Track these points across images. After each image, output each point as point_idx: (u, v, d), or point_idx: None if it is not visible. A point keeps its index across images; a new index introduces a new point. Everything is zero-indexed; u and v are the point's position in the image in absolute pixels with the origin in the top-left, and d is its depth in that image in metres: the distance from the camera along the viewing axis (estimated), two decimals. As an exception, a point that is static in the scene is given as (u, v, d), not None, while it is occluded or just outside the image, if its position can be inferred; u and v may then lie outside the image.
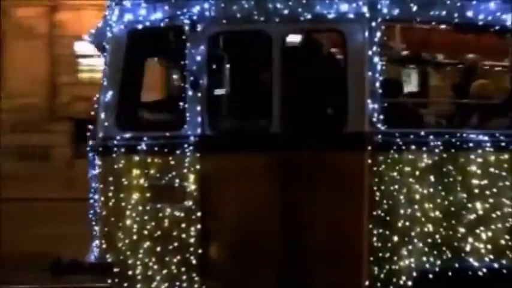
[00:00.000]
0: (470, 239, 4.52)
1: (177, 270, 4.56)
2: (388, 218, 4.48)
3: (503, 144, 4.58)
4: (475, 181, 4.54)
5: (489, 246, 4.53)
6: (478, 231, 4.53)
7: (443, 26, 4.87)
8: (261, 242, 4.58)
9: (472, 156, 4.54)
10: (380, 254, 4.46)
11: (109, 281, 4.64)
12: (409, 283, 4.49)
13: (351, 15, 4.55)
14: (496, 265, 4.54)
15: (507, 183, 4.55)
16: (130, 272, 4.61)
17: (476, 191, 4.53)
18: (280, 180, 4.55)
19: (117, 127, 4.68)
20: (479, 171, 4.54)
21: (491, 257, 4.53)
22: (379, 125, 4.47)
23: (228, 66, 5.11)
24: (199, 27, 4.59)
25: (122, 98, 4.70)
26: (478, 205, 4.54)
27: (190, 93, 4.57)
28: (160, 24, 4.65)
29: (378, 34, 4.54)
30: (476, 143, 4.56)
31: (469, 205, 4.52)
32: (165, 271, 4.57)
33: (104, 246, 4.68)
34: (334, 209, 4.52)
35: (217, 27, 4.64)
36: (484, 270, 4.51)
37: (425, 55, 6.71)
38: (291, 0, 4.56)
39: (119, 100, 4.70)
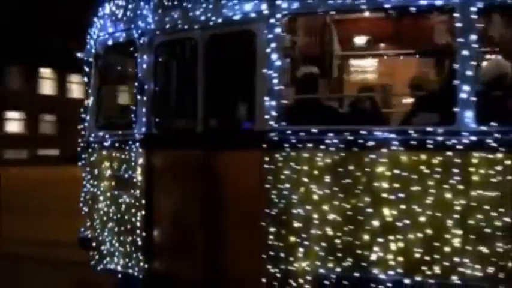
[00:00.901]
0: (375, 248, 4.12)
1: (129, 249, 5.30)
2: (283, 218, 4.40)
3: (415, 142, 4.00)
4: (381, 184, 4.10)
5: (399, 258, 4.06)
6: (385, 239, 4.09)
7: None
8: (189, 231, 4.98)
9: (376, 156, 4.10)
10: (276, 253, 4.42)
11: (90, 253, 5.65)
12: (306, 286, 4.34)
13: (253, 14, 4.53)
14: (406, 280, 4.04)
15: (420, 187, 3.98)
16: (101, 247, 5.54)
17: (383, 195, 4.09)
18: (201, 176, 4.86)
19: (95, 127, 5.63)
20: (387, 173, 4.08)
21: (401, 270, 4.05)
22: (273, 123, 4.39)
23: (170, 72, 5.51)
24: (144, 39, 5.18)
25: (99, 103, 5.61)
26: (386, 211, 4.09)
27: (138, 97, 5.21)
28: (119, 39, 5.38)
29: (277, 30, 4.41)
30: (382, 141, 4.09)
31: (374, 210, 4.11)
32: (121, 249, 5.36)
33: (87, 224, 5.70)
34: (237, 206, 4.64)
35: (158, 38, 5.14)
36: (390, 284, 4.07)
37: (334, 49, 5.76)
38: (205, 7, 4.78)
39: (97, 105, 5.63)
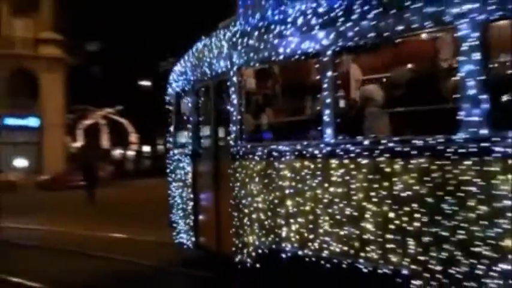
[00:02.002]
0: (284, 228, 5.75)
1: (187, 228, 7.78)
2: (240, 206, 6.31)
3: (300, 153, 5.53)
4: (286, 183, 5.71)
5: (296, 236, 5.62)
6: (287, 223, 5.69)
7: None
8: (213, 218, 7.23)
9: (281, 164, 5.72)
10: (236, 231, 6.38)
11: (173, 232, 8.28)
12: (253, 254, 6.19)
13: (225, 69, 6.58)
14: (300, 252, 5.57)
15: (306, 187, 5.48)
16: (177, 228, 8.13)
17: (287, 191, 5.70)
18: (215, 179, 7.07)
19: (173, 145, 8.25)
20: (289, 176, 5.68)
21: (297, 245, 5.60)
22: (239, 142, 6.31)
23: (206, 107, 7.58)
24: (191, 87, 7.58)
25: (176, 129, 8.23)
26: (289, 202, 5.69)
27: (189, 125, 7.65)
28: (183, 87, 7.89)
29: (235, 79, 6.34)
30: (284, 152, 5.70)
31: (280, 203, 5.74)
32: (184, 228, 7.87)
33: (172, 212, 8.35)
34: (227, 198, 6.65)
35: (196, 85, 7.47)
36: (290, 254, 5.66)
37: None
38: (208, 65, 7.00)
39: (175, 130, 8.25)
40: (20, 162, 33.74)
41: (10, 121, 33.41)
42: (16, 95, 32.99)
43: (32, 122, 34.17)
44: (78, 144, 38.52)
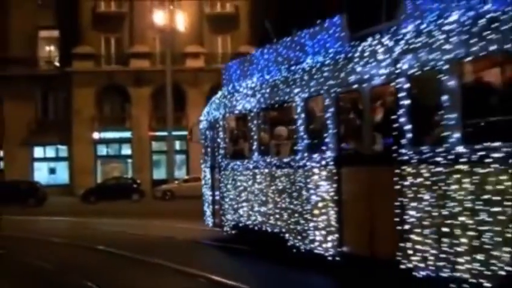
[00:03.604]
0: (249, 212, 9.94)
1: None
2: (222, 189, 10.57)
3: (242, 166, 9.71)
4: (250, 183, 9.91)
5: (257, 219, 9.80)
6: (251, 207, 9.88)
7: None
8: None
9: (239, 173, 9.93)
10: (223, 212, 10.65)
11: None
12: (233, 230, 10.43)
13: (218, 115, 10.86)
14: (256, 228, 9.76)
15: (250, 186, 9.66)
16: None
17: (254, 187, 9.90)
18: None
19: (204, 161, 12.69)
20: (248, 178, 9.87)
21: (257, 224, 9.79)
22: (223, 159, 10.61)
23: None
24: (214, 121, 12.00)
25: (207, 150, 12.68)
26: (248, 195, 9.89)
27: (206, 149, 12.08)
28: (214, 119, 12.24)
29: (221, 122, 10.63)
30: (239, 166, 9.90)
31: (247, 194, 9.96)
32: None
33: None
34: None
35: (212, 123, 11.87)
36: (256, 229, 9.84)
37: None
38: (213, 113, 11.34)
39: (205, 149, 12.70)
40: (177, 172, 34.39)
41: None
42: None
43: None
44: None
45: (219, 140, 11.07)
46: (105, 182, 32.66)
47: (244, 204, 9.93)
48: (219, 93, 11.53)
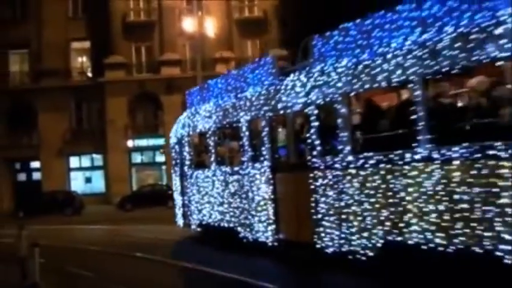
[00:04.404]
0: (208, 209, 12.01)
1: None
2: (188, 194, 12.63)
3: (211, 174, 11.79)
4: (206, 185, 11.98)
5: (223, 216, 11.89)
6: (212, 205, 11.96)
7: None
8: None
9: (203, 177, 12.01)
10: (189, 211, 12.71)
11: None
12: (198, 228, 12.48)
13: (183, 133, 12.92)
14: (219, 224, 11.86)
15: (207, 187, 11.74)
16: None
17: (211, 190, 11.98)
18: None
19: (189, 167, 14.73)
20: (209, 181, 11.95)
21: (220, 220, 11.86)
22: (189, 168, 12.68)
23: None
24: (180, 138, 14.05)
25: (178, 161, 14.75)
26: (212, 196, 11.97)
27: (172, 162, 14.13)
28: (181, 135, 14.30)
29: (186, 138, 12.69)
30: (201, 173, 11.99)
31: (210, 195, 12.05)
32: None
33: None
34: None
35: (181, 139, 13.92)
36: (216, 225, 11.92)
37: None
38: (180, 131, 13.40)
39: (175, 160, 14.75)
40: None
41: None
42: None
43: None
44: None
45: (185, 153, 13.15)
46: (141, 189, 32.65)
47: (206, 205, 11.99)
48: (184, 114, 13.60)
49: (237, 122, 10.69)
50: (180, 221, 14.03)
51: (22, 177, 36.57)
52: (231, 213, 10.93)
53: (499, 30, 5.92)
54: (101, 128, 35.58)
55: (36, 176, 35.92)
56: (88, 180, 36.94)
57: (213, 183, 11.63)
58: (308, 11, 29.99)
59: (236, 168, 10.78)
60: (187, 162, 13.02)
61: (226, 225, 11.18)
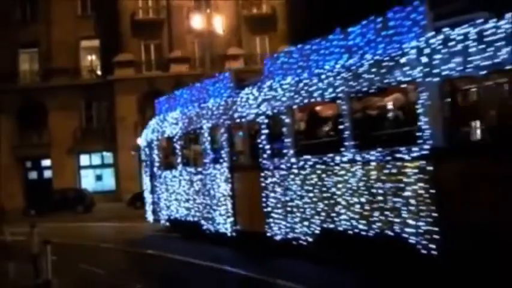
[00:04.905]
0: (177, 205, 13.38)
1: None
2: (158, 192, 13.98)
3: (176, 173, 13.17)
4: (171, 183, 13.34)
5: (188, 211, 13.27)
6: (179, 201, 13.34)
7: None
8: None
9: (170, 176, 13.38)
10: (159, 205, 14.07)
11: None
12: (167, 223, 13.86)
13: (152, 137, 14.27)
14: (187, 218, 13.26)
15: (173, 186, 13.12)
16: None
17: (178, 187, 13.35)
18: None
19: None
20: (172, 179, 13.31)
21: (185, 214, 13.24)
22: (158, 169, 14.02)
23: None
24: (151, 142, 15.36)
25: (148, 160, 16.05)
26: (178, 193, 13.34)
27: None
28: (151, 139, 15.60)
29: (156, 142, 14.04)
30: (168, 173, 13.36)
31: (178, 192, 13.41)
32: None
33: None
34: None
35: (151, 142, 15.25)
36: (183, 219, 13.30)
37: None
38: (150, 135, 14.73)
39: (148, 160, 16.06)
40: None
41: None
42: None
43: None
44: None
45: (154, 155, 14.51)
46: (150, 187, 32.65)
47: (174, 202, 13.38)
48: (153, 120, 14.93)
49: (200, 128, 12.10)
50: (150, 217, 15.34)
51: (33, 175, 36.57)
52: (196, 209, 12.35)
53: (403, 60, 7.50)
54: (111, 126, 35.45)
55: (47, 174, 35.96)
56: (98, 178, 36.89)
57: (179, 182, 13.02)
58: (314, 6, 30.23)
59: (199, 169, 12.20)
60: (157, 164, 14.38)
61: (191, 219, 12.58)
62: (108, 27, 35.08)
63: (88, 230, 20.02)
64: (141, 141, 16.02)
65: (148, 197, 15.38)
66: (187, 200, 12.69)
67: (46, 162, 36.15)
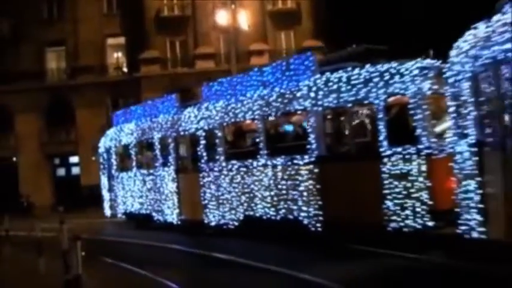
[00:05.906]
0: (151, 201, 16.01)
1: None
2: (115, 191, 16.56)
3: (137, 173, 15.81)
4: (136, 181, 15.96)
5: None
6: (146, 197, 15.96)
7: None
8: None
9: (131, 176, 16.00)
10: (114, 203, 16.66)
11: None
12: (122, 212, 16.47)
13: (115, 143, 16.85)
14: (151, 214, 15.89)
15: (138, 183, 15.76)
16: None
17: (138, 184, 15.98)
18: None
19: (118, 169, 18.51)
20: (134, 178, 15.93)
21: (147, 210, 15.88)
22: (117, 170, 16.61)
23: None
24: (109, 148, 17.88)
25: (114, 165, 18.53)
26: (140, 190, 15.97)
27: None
28: (109, 146, 18.09)
29: (114, 149, 16.63)
30: (129, 173, 15.99)
31: (137, 188, 16.03)
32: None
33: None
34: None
35: (117, 146, 17.76)
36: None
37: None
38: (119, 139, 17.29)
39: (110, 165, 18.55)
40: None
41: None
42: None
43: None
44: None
45: (112, 160, 17.09)
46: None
47: (129, 198, 16.01)
48: (111, 130, 17.52)
49: (151, 138, 14.83)
50: (108, 212, 17.91)
51: (61, 172, 36.36)
52: (148, 203, 15.05)
53: (299, 93, 10.54)
54: (137, 123, 34.70)
55: (75, 170, 35.65)
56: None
57: (134, 182, 15.67)
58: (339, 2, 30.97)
59: (151, 171, 14.93)
60: (114, 167, 16.94)
61: (144, 212, 15.28)
62: (133, 24, 34.54)
63: (115, 226, 18.60)
64: (100, 147, 18.46)
65: (106, 195, 17.90)
66: (141, 196, 15.35)
67: (74, 159, 35.65)
